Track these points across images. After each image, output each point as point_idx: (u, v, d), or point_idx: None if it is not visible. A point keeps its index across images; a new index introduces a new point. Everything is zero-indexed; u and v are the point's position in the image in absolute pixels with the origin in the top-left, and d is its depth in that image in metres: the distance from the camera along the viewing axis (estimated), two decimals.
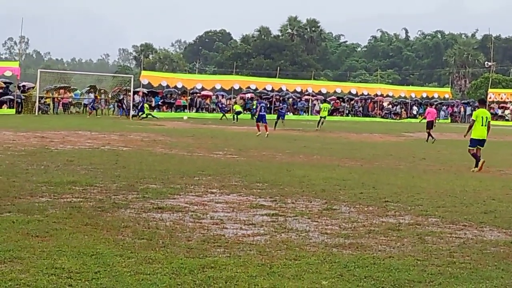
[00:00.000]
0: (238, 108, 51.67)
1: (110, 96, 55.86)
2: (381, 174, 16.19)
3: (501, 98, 72.06)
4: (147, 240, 7.78)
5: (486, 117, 18.78)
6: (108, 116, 51.01)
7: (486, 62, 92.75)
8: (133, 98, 51.92)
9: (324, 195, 12.10)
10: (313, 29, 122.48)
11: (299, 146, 25.01)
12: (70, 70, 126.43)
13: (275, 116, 42.61)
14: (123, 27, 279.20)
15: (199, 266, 6.67)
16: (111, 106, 55.16)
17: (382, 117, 69.61)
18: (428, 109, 36.26)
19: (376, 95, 71.28)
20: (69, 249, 7.12)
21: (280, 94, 65.08)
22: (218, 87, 60.92)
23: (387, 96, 72.90)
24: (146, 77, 56.28)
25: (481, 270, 7.10)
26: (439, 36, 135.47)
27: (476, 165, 18.10)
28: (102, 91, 56.09)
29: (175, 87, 59.34)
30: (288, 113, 63.26)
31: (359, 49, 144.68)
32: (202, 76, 71.53)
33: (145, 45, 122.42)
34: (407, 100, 73.07)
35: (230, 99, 60.07)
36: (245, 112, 56.25)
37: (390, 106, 72.81)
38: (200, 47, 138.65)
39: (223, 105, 55.74)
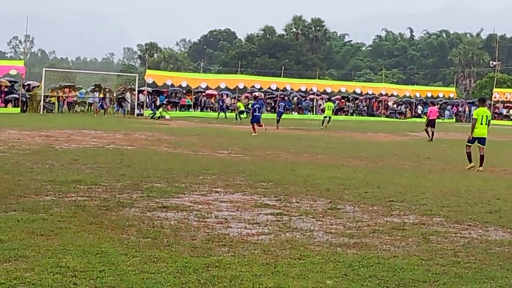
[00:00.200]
0: (241, 107, 51.61)
1: (115, 95, 55.90)
2: (385, 173, 16.18)
3: (506, 98, 71.83)
4: (152, 239, 7.79)
5: (486, 116, 18.95)
6: (112, 115, 51.01)
7: (491, 62, 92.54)
8: (138, 97, 52.02)
9: (328, 194, 12.10)
10: (318, 28, 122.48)
11: (303, 145, 24.99)
12: (75, 69, 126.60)
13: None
14: (128, 26, 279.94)
15: (203, 265, 6.67)
16: (115, 105, 55.22)
17: (387, 116, 69.51)
18: (430, 108, 36.23)
19: (381, 95, 71.18)
20: (74, 248, 7.13)
21: (284, 93, 65.08)
22: (222, 86, 60.92)
23: (392, 95, 72.76)
24: (151, 76, 56.31)
25: (485, 270, 7.09)
26: (444, 35, 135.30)
27: (470, 161, 18.39)
28: (107, 90, 56.11)
29: (180, 86, 59.32)
30: (293, 112, 63.38)
31: (363, 48, 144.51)
32: (206, 75, 71.46)
33: (150, 44, 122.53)
34: (412, 100, 72.94)
35: (235, 98, 60.05)
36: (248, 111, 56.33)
37: (395, 105, 72.72)
38: (205, 46, 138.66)
39: (222, 104, 55.63)
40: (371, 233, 8.77)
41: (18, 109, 45.95)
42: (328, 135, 33.22)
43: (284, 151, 21.61)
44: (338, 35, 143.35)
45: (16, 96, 47.82)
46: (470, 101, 76.74)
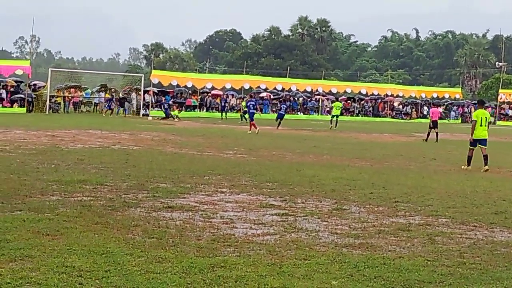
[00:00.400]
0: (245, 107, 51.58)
1: (120, 95, 55.95)
2: (391, 174, 16.17)
3: None
4: (157, 239, 7.79)
5: (486, 117, 19.06)
6: (115, 115, 51.05)
7: (497, 63, 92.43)
8: (144, 98, 52.08)
9: (334, 195, 12.09)
10: (324, 29, 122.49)
11: (309, 146, 24.99)
12: (80, 69, 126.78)
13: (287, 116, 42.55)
14: (133, 26, 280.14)
15: (209, 265, 6.68)
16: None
17: (392, 117, 69.44)
18: (432, 109, 36.19)
19: (386, 95, 71.14)
20: (80, 248, 7.15)
21: (290, 93, 65.10)
22: (228, 86, 60.90)
23: (397, 96, 72.71)
24: (157, 76, 56.35)
25: (491, 271, 7.08)
26: (450, 36, 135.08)
27: (469, 164, 18.47)
28: (112, 90, 56.21)
29: (185, 86, 59.40)
30: (299, 113, 63.34)
31: (369, 49, 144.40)
32: (212, 76, 71.53)
33: (156, 45, 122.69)
34: (417, 101, 72.83)
35: (240, 98, 60.03)
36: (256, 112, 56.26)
37: (400, 106, 72.65)
38: (211, 47, 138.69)
39: (224, 104, 55.59)
40: (377, 233, 8.76)
41: (24, 109, 46.07)
42: (334, 136, 33.21)
43: (289, 152, 21.61)
44: (343, 35, 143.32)
45: (22, 96, 47.95)
46: (476, 102, 76.55)
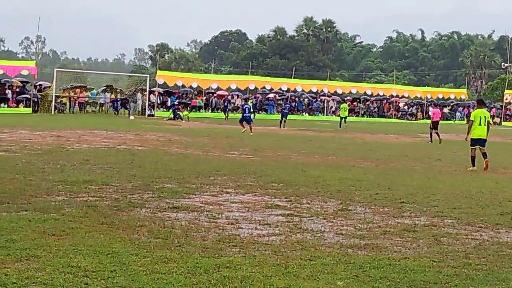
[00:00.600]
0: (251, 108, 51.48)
1: (123, 95, 56.06)
2: (396, 175, 16.15)
3: None
4: (163, 240, 7.80)
5: (485, 117, 18.97)
6: (123, 115, 51.17)
7: (502, 63, 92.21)
8: (149, 98, 52.13)
9: (339, 195, 12.08)
10: (329, 29, 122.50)
11: (314, 146, 24.98)
12: (86, 69, 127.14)
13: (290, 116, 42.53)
14: (139, 26, 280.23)
15: (214, 266, 6.68)
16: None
17: (398, 118, 69.36)
18: (433, 109, 36.10)
19: (392, 96, 71.08)
20: (85, 248, 7.16)
21: (295, 94, 65.11)
22: (233, 87, 60.91)
23: (403, 97, 72.65)
24: (162, 76, 56.40)
25: (497, 271, 7.06)
26: (455, 37, 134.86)
27: (473, 165, 18.44)
28: (118, 90, 56.30)
29: (191, 87, 59.47)
30: (304, 113, 63.34)
31: (374, 49, 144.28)
32: (217, 76, 71.62)
33: (161, 45, 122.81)
34: (423, 101, 72.73)
35: (245, 99, 59.98)
36: (260, 112, 56.40)
37: (405, 107, 72.57)
38: (216, 47, 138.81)
39: (227, 105, 55.57)
40: (382, 234, 8.75)
41: (29, 109, 46.18)
42: (339, 136, 33.20)
43: (294, 152, 21.61)
44: (349, 36, 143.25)
45: (28, 96, 48.06)
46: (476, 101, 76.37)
